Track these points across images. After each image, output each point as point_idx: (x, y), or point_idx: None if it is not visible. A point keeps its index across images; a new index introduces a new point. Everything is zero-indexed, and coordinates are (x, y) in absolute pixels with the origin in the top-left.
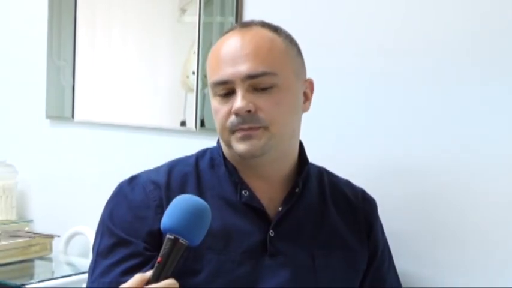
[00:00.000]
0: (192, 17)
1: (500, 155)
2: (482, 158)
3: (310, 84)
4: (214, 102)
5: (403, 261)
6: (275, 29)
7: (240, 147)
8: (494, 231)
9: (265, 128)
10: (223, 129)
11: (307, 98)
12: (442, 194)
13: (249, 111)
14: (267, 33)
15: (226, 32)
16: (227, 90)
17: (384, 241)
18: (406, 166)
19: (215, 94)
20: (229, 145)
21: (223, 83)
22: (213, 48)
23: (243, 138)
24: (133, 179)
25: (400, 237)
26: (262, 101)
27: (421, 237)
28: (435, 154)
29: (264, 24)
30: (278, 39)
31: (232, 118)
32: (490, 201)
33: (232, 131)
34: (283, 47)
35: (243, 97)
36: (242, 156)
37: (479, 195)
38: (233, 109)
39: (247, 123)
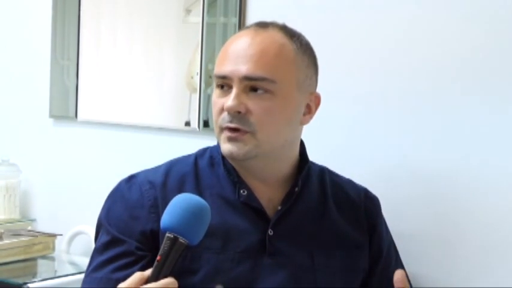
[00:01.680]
0: (196, 18)
1: (504, 156)
2: (486, 159)
3: (316, 98)
4: (214, 94)
5: (405, 262)
6: (292, 35)
7: (225, 147)
8: (496, 231)
9: (253, 134)
10: (215, 124)
11: (309, 111)
12: (445, 194)
13: (239, 112)
14: (280, 38)
15: (244, 29)
16: (225, 84)
17: (389, 239)
18: (409, 167)
19: (216, 85)
20: (219, 141)
21: (222, 77)
22: (226, 42)
23: (229, 140)
24: (131, 178)
25: (402, 238)
26: (254, 104)
27: (423, 237)
28: (438, 155)
29: (283, 28)
30: (289, 47)
31: (224, 115)
32: (493, 202)
33: (222, 128)
34: (292, 55)
35: (236, 96)
36: (226, 157)
37: (482, 197)
38: (225, 106)
39: (236, 123)
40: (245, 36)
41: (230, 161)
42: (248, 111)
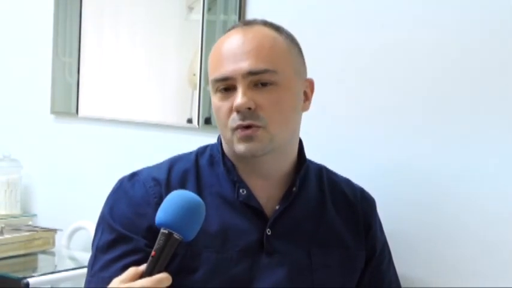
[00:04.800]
0: (198, 15)
1: (500, 157)
2: (482, 160)
3: (310, 84)
4: (215, 100)
5: (402, 262)
6: (277, 28)
7: (240, 147)
8: (493, 232)
9: (265, 128)
10: (224, 127)
11: (307, 97)
12: (442, 195)
13: (249, 108)
14: (269, 32)
15: (229, 30)
16: (227, 86)
17: (383, 240)
18: (406, 167)
19: (216, 90)
20: (230, 144)
21: (224, 79)
22: (215, 46)
23: (244, 139)
24: (134, 175)
25: (399, 238)
26: (262, 98)
27: (420, 237)
28: (435, 155)
29: (266, 23)
30: (280, 38)
31: (234, 115)
32: (487, 203)
33: (234, 128)
34: (284, 45)
35: (244, 94)
36: (242, 156)
37: (478, 197)
38: (234, 105)
39: (248, 120)
40: (235, 35)
41: (231, 157)
42: (258, 106)
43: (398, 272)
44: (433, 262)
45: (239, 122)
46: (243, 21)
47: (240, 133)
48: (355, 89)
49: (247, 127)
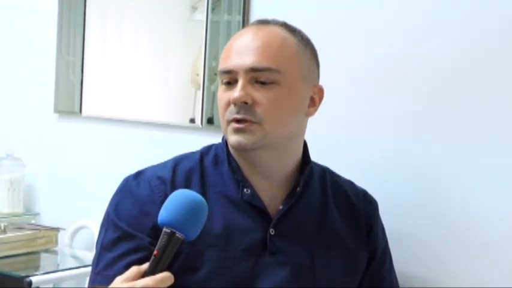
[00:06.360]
0: (202, 15)
1: (501, 156)
2: (483, 160)
3: (319, 91)
4: (219, 91)
5: (402, 262)
6: (292, 30)
7: (232, 138)
8: (493, 232)
9: (260, 124)
10: (222, 119)
11: (313, 103)
12: (444, 196)
13: (245, 103)
14: (282, 32)
15: (245, 27)
16: (231, 79)
17: (385, 243)
18: (406, 168)
19: (221, 82)
20: (226, 136)
21: (228, 72)
22: (229, 40)
23: (237, 131)
24: (139, 174)
25: (399, 238)
26: (260, 95)
27: (420, 237)
28: (438, 156)
29: (283, 24)
30: (291, 40)
31: (231, 108)
32: (489, 203)
33: (229, 120)
34: (294, 47)
35: (242, 88)
36: (234, 148)
37: (478, 198)
38: (231, 98)
39: (243, 114)
40: (248, 32)
41: (235, 156)
42: (255, 102)
43: (398, 271)
44: (433, 262)
45: (234, 115)
46: (260, 20)
47: (233, 125)
48: (356, 90)
49: (241, 121)
